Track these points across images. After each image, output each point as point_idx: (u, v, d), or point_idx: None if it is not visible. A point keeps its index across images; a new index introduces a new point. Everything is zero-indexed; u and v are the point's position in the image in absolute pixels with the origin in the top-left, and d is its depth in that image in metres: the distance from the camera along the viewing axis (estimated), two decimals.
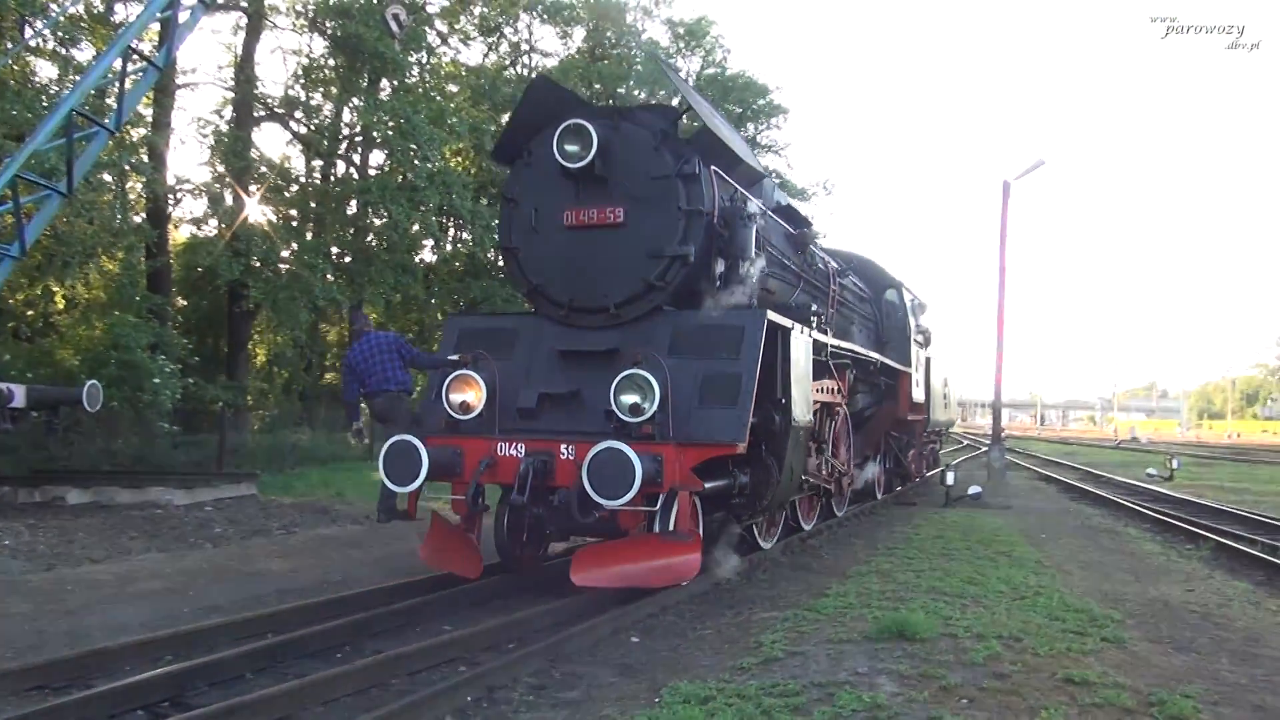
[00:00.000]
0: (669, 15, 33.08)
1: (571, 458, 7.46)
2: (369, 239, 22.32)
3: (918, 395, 16.81)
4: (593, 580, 7.37)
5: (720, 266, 8.68)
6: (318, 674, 5.57)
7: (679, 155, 8.39)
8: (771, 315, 8.30)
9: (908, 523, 13.74)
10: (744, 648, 6.25)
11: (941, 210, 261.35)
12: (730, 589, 8.63)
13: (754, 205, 9.48)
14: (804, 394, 9.05)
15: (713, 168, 8.71)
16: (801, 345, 9.01)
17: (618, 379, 7.45)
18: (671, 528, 7.34)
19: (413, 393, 9.23)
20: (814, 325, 9.93)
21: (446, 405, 8.06)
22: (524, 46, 30.66)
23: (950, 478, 17.40)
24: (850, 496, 13.41)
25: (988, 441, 26.70)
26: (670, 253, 8.28)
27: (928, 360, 17.98)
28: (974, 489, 17.65)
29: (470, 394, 8.00)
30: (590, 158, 8.07)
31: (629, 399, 7.39)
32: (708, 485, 7.84)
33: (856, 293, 14.51)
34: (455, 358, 8.42)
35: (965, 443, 48.14)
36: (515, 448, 7.67)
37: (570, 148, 8.12)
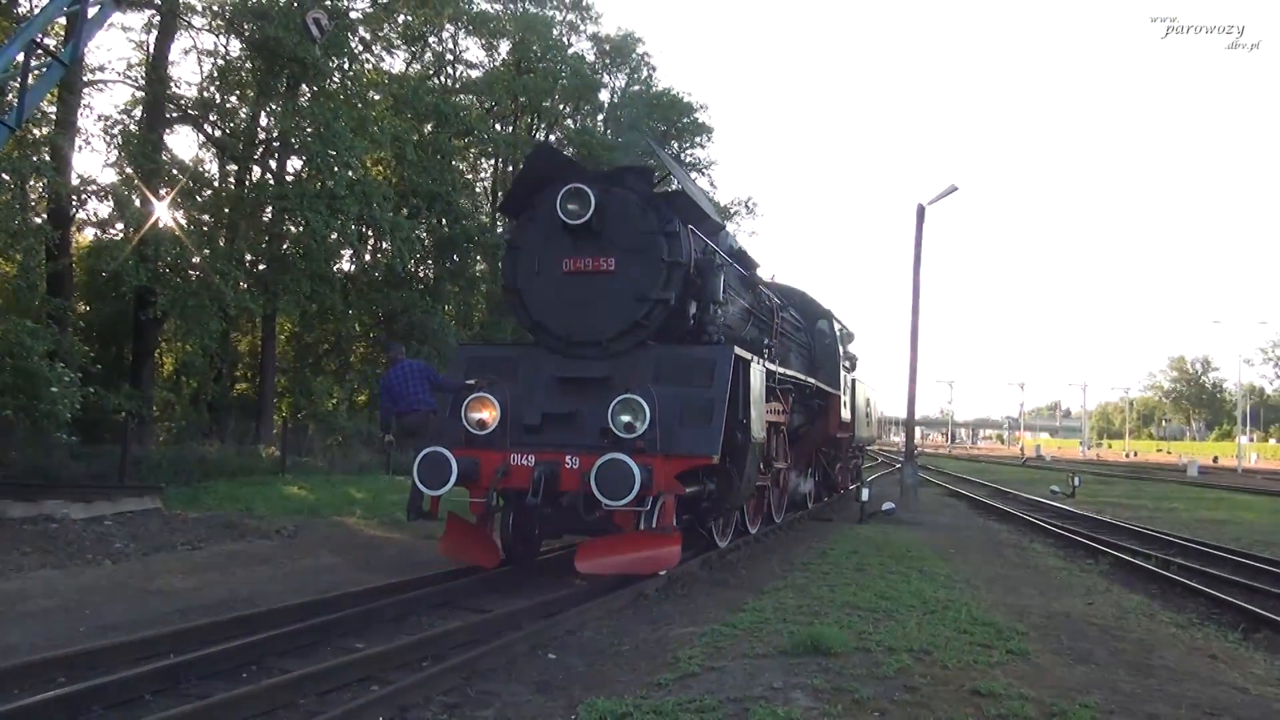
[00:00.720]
0: (595, 31, 33.28)
1: (576, 467, 8.77)
2: (285, 247, 21.77)
3: (845, 415, 18.52)
4: (594, 568, 8.80)
5: (693, 308, 10.33)
6: (221, 695, 5.38)
7: (662, 215, 9.88)
8: (738, 350, 9.82)
9: (823, 538, 13.95)
10: (662, 663, 6.25)
11: (864, 232, 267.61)
12: (649, 605, 8.65)
13: (720, 257, 11.28)
14: (759, 415, 10.53)
15: (689, 226, 10.25)
16: (758, 374, 10.51)
17: (615, 401, 8.80)
18: (655, 525, 8.84)
19: (438, 412, 10.36)
20: (766, 356, 11.69)
21: (465, 422, 9.33)
22: (448, 57, 30.44)
23: (865, 494, 17.76)
24: (786, 506, 15.01)
25: (901, 458, 27.32)
26: (654, 297, 9.72)
27: (853, 382, 19.86)
28: (888, 505, 18.05)
29: (486, 413, 9.32)
30: (588, 216, 9.48)
31: (625, 418, 8.74)
32: (687, 490, 9.26)
33: (794, 323, 16.16)
34: (472, 382, 9.71)
35: (880, 459, 49.18)
36: (526, 458, 9.00)
37: (571, 206, 9.52)
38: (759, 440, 10.56)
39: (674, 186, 11.05)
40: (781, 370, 12.76)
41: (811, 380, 15.49)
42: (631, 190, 9.95)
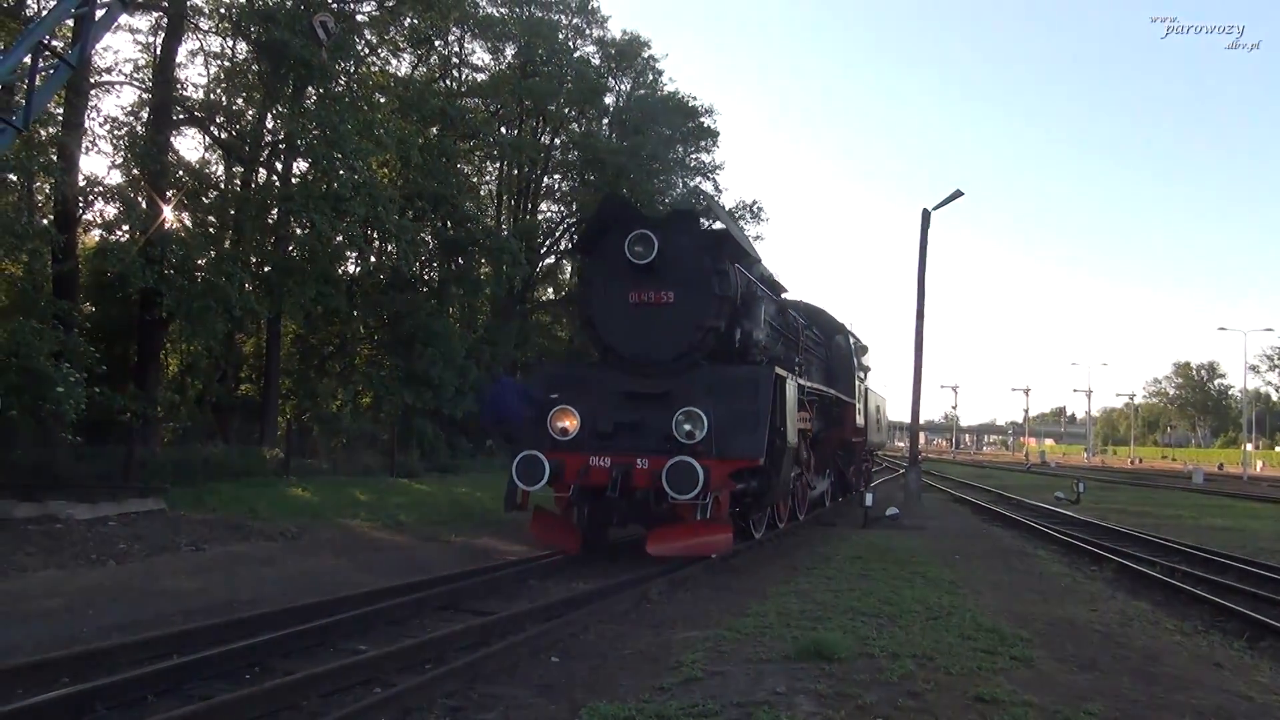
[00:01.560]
0: (601, 35, 33.27)
1: (645, 467, 10.46)
2: (290, 249, 21.78)
3: (860, 421, 20.40)
4: (663, 550, 10.44)
5: (738, 334, 12.18)
6: (224, 696, 5.39)
7: (714, 256, 11.66)
8: (777, 369, 11.69)
9: (827, 543, 13.95)
10: (665, 667, 6.25)
11: (869, 235, 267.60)
12: (652, 608, 8.65)
13: (760, 289, 13.22)
14: (793, 423, 12.22)
15: (735, 264, 12.06)
16: (792, 388, 12.31)
17: (679, 413, 10.48)
18: (710, 516, 10.40)
19: (528, 420, 11.76)
20: (796, 372, 13.57)
21: (550, 430, 11.01)
22: (454, 60, 30.47)
23: (869, 499, 17.74)
24: (808, 504, 16.57)
25: (905, 463, 27.28)
26: (707, 325, 11.52)
27: (866, 391, 21.81)
28: (891, 510, 18.03)
29: (568, 422, 11.05)
30: (653, 257, 11.25)
31: (687, 427, 10.44)
32: (737, 486, 11.06)
33: (815, 339, 18.03)
34: (555, 396, 11.32)
35: (884, 464, 49.08)
36: (603, 460, 10.67)
37: (638, 249, 11.30)
38: (793, 445, 12.31)
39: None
40: (809, 384, 14.67)
41: (831, 391, 17.33)
42: (687, 234, 11.71)
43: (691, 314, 11.48)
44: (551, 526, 11.61)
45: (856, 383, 19.99)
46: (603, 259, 11.99)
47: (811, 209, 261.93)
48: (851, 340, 20.41)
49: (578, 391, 11.41)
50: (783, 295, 15.32)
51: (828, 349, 19.03)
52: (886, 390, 30.45)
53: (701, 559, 10.76)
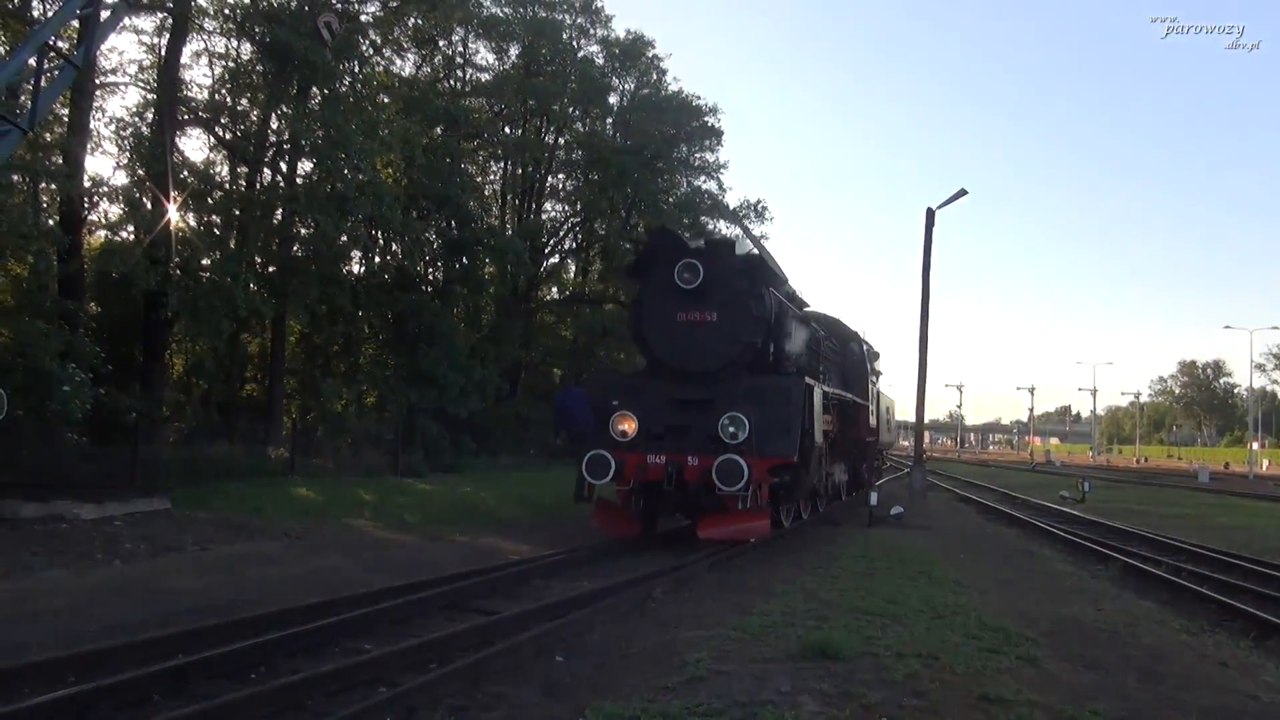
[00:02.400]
0: (605, 34, 33.22)
1: (695, 464, 12.02)
2: (294, 249, 21.80)
3: (872, 422, 21.76)
4: (712, 535, 12.04)
5: (772, 348, 13.91)
6: (229, 695, 5.39)
7: (752, 281, 13.32)
8: (806, 379, 13.36)
9: (831, 542, 13.95)
10: (669, 667, 6.24)
11: (874, 234, 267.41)
12: (656, 607, 8.64)
13: (791, 309, 15.04)
14: (820, 426, 13.87)
15: (769, 288, 13.74)
16: (818, 395, 13.99)
17: (724, 416, 12.11)
18: (750, 506, 11.84)
19: (594, 424, 13.29)
20: (820, 380, 15.19)
21: (612, 432, 12.65)
22: (458, 60, 30.47)
23: (873, 498, 17.73)
24: (827, 498, 18.06)
25: (910, 463, 27.26)
26: (745, 340, 13.07)
27: (878, 394, 23.40)
28: (896, 510, 17.99)
29: (627, 425, 12.66)
30: (698, 282, 12.85)
31: (731, 429, 12.04)
32: (774, 481, 12.71)
33: (832, 347, 19.64)
34: (616, 402, 12.89)
35: (889, 463, 48.99)
36: (658, 458, 12.20)
37: (686, 275, 12.92)
38: (819, 445, 13.99)
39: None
40: (831, 390, 16.35)
41: (848, 395, 18.87)
42: (727, 261, 13.30)
43: (731, 331, 12.98)
44: (614, 516, 13.18)
45: (869, 386, 21.43)
46: (654, 283, 13.50)
47: (815, 207, 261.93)
48: (864, 347, 21.86)
49: (633, 398, 12.88)
50: (807, 313, 16.78)
51: (843, 356, 20.39)
52: (892, 390, 31.87)
53: (730, 547, 12.03)
